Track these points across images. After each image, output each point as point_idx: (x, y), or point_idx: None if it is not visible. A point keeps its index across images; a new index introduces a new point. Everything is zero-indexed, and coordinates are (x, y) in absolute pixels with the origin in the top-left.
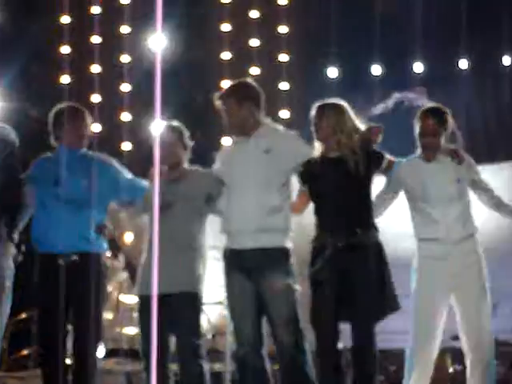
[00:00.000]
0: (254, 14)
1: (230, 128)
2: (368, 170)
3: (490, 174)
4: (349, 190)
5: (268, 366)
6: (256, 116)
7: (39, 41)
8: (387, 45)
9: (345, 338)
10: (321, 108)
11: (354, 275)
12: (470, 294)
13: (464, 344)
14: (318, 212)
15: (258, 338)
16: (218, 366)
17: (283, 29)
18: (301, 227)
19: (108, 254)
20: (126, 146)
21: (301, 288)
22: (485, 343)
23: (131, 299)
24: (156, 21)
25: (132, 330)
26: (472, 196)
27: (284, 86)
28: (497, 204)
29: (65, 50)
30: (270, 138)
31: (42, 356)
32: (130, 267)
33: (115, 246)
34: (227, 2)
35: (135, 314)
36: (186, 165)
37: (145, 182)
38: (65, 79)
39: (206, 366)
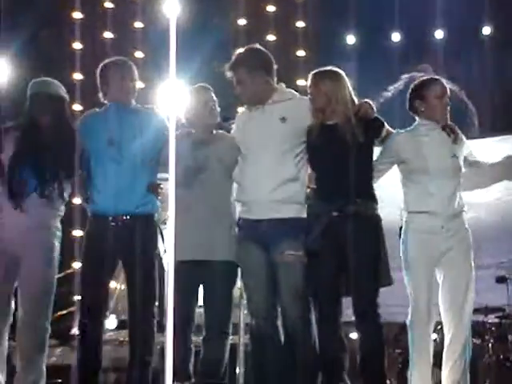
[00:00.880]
0: None
1: (242, 98)
2: (367, 137)
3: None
4: (346, 159)
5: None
6: (269, 83)
7: (51, 6)
8: (407, 12)
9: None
10: (316, 76)
11: (349, 246)
12: (457, 270)
13: (445, 318)
14: (316, 181)
15: (273, 309)
16: (231, 338)
17: None
18: None
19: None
20: None
21: None
22: (466, 319)
23: None
24: None
25: None
26: None
27: (301, 53)
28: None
29: (77, 15)
30: (285, 105)
31: (83, 322)
32: None
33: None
34: None
35: None
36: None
37: None
38: (77, 45)
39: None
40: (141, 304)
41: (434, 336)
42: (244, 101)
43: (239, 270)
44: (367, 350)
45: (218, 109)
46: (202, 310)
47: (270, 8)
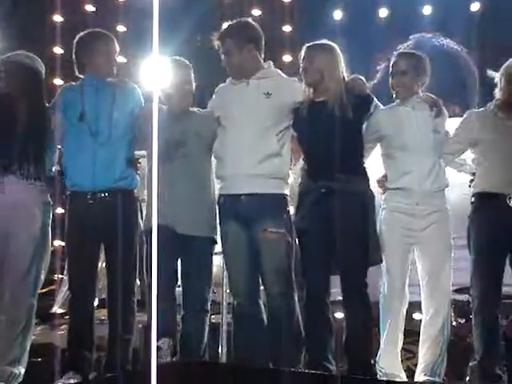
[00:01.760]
0: None
1: (229, 70)
2: (356, 114)
3: None
4: (334, 135)
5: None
6: (256, 58)
7: None
8: None
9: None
10: (310, 49)
11: (336, 223)
12: (433, 249)
13: (423, 297)
14: (305, 157)
15: (255, 288)
16: (213, 317)
17: None
18: None
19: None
20: None
21: None
22: (444, 298)
23: None
24: None
25: None
26: None
27: (287, 28)
28: None
29: None
30: (270, 81)
31: (72, 300)
32: None
33: None
34: None
35: None
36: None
37: None
38: (57, 18)
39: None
40: (121, 282)
41: (420, 316)
42: (230, 73)
43: (220, 247)
44: (353, 328)
45: (194, 85)
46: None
47: None
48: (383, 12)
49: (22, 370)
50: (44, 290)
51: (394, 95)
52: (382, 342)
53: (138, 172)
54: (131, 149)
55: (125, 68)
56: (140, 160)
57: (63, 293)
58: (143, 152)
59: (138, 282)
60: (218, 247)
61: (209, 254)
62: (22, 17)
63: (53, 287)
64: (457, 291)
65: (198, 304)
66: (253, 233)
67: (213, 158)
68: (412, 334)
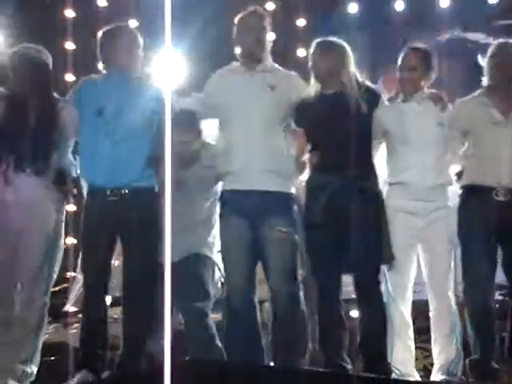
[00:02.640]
0: None
1: (247, 48)
2: (367, 107)
3: None
4: (348, 128)
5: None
6: (269, 49)
7: None
8: None
9: None
10: (320, 45)
11: (350, 220)
12: (437, 247)
13: (429, 296)
14: (315, 151)
15: (251, 285)
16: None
17: None
18: None
19: None
20: None
21: None
22: (449, 295)
23: None
24: None
25: None
26: None
27: (301, 22)
28: None
29: None
30: (274, 75)
31: (85, 298)
32: None
33: None
34: None
35: None
36: None
37: None
38: (69, 13)
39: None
40: (138, 280)
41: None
42: (247, 51)
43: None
44: (368, 327)
45: None
46: None
47: None
48: (399, 5)
49: (35, 369)
50: (57, 288)
51: (400, 90)
52: (391, 341)
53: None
54: (153, 147)
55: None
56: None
57: (76, 291)
58: None
59: None
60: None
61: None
62: (34, 12)
63: (65, 285)
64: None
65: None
66: (259, 231)
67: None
68: (427, 331)
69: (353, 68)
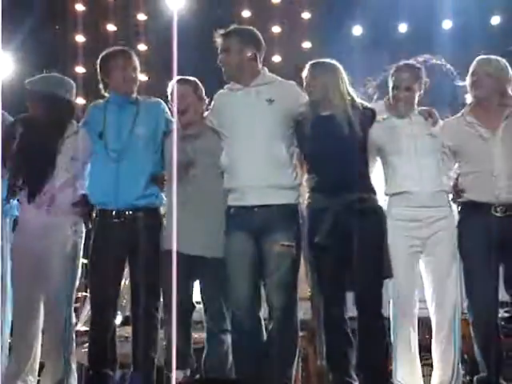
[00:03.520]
0: None
1: (226, 71)
2: (361, 128)
3: None
4: (344, 150)
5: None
6: (255, 60)
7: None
8: (414, 2)
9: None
10: (314, 66)
11: (356, 240)
12: (439, 257)
13: (431, 310)
14: (312, 173)
15: (256, 301)
16: None
17: None
18: None
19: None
20: None
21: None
22: (449, 309)
23: None
24: None
25: None
26: None
27: (306, 44)
28: None
29: (79, 7)
30: (270, 87)
31: (93, 318)
32: None
33: None
34: None
35: None
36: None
37: None
38: (79, 38)
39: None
40: (145, 300)
41: None
42: (226, 73)
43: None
44: (368, 346)
45: (206, 98)
46: (201, 305)
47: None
48: (403, 27)
49: None
50: None
51: (395, 108)
52: (394, 355)
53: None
54: (155, 165)
55: (147, 86)
56: (164, 176)
57: (87, 310)
58: None
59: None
60: None
61: (220, 275)
62: (46, 36)
63: (76, 305)
64: None
65: (218, 324)
66: (261, 244)
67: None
68: None
69: (346, 88)
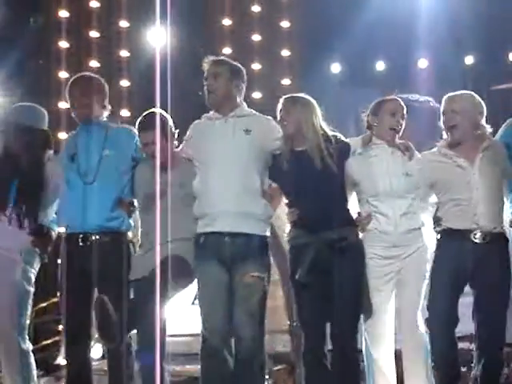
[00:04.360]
0: (256, 8)
1: (214, 98)
2: (336, 162)
3: None
4: (321, 185)
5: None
6: (239, 96)
7: (37, 35)
8: (391, 41)
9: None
10: (288, 101)
11: (338, 275)
12: (408, 289)
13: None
14: (293, 208)
15: (228, 328)
16: None
17: (285, 24)
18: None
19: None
20: None
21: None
22: (417, 335)
23: None
24: (155, 15)
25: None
26: None
27: (285, 81)
28: None
29: (63, 44)
30: (248, 120)
31: (67, 348)
32: None
33: None
34: None
35: None
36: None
37: None
38: (63, 74)
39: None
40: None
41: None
42: (211, 100)
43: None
44: (342, 379)
45: (175, 131)
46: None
47: (256, 37)
48: (380, 65)
49: None
50: (48, 342)
51: (373, 140)
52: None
53: (132, 215)
54: (122, 189)
55: (129, 122)
56: (134, 202)
57: None
58: None
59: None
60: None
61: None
62: (31, 72)
63: (57, 338)
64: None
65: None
66: (232, 273)
67: None
68: None
69: (319, 123)
